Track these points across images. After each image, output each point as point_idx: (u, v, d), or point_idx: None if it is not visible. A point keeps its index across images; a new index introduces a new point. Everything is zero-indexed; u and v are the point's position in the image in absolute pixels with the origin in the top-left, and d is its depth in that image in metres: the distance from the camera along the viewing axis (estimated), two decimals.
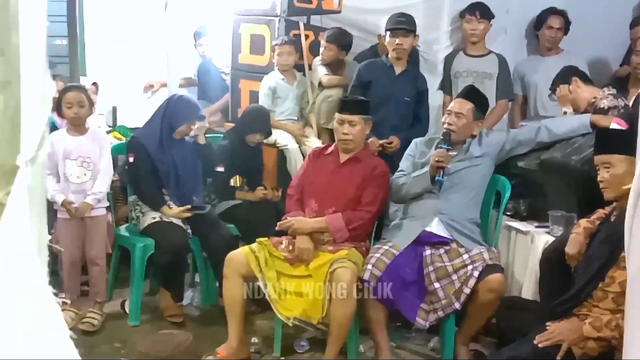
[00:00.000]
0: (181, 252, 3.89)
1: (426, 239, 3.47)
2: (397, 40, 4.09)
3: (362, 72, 4.26)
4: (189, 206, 3.92)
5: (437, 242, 3.46)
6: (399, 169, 3.72)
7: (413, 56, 4.48)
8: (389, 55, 4.21)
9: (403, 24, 4.08)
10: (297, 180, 3.79)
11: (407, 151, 3.78)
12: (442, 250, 3.43)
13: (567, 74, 3.90)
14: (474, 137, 3.65)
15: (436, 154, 3.47)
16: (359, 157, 3.64)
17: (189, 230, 3.94)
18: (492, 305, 3.22)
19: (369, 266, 3.31)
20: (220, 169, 4.18)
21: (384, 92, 4.16)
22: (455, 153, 3.53)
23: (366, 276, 3.29)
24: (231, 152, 4.28)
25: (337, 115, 3.65)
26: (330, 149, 3.75)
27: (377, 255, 3.36)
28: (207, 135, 4.28)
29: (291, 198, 3.72)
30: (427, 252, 3.43)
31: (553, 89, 3.96)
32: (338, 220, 3.50)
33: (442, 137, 3.56)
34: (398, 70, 4.20)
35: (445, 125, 3.59)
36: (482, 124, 3.69)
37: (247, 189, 4.34)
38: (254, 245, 3.49)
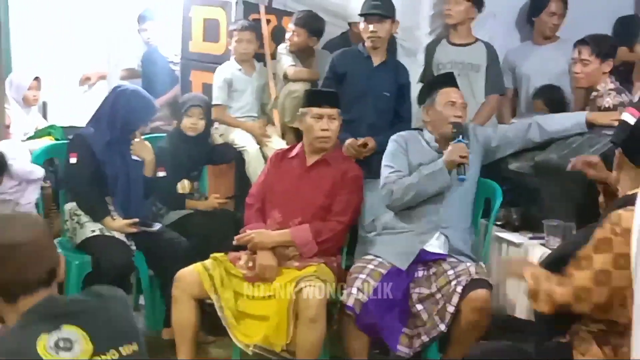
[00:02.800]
0: (124, 271, 3.84)
1: (422, 257, 3.46)
2: (372, 27, 4.11)
3: (336, 62, 4.26)
4: (137, 220, 3.89)
5: (431, 260, 3.46)
6: (393, 170, 3.63)
7: (390, 45, 4.51)
8: (366, 45, 4.23)
9: (378, 9, 4.10)
10: (257, 188, 3.78)
11: (393, 149, 3.69)
12: (433, 270, 3.43)
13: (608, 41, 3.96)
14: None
15: (460, 149, 3.46)
16: (328, 160, 3.65)
17: (134, 247, 3.91)
18: (478, 327, 3.23)
19: (354, 290, 3.28)
20: (162, 173, 4.13)
21: (360, 86, 4.16)
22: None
23: (350, 302, 3.26)
24: (172, 151, 4.26)
25: (311, 110, 3.62)
26: (295, 151, 3.75)
27: (363, 276, 3.33)
28: (151, 135, 4.26)
29: (250, 208, 3.72)
30: (420, 272, 3.44)
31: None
32: (305, 233, 3.50)
33: (454, 130, 3.54)
34: (376, 61, 4.21)
35: (453, 119, 3.57)
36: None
37: (199, 196, 4.33)
38: (207, 262, 3.47)
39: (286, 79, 4.72)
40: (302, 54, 4.77)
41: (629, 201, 2.25)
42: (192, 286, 3.39)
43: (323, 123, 3.60)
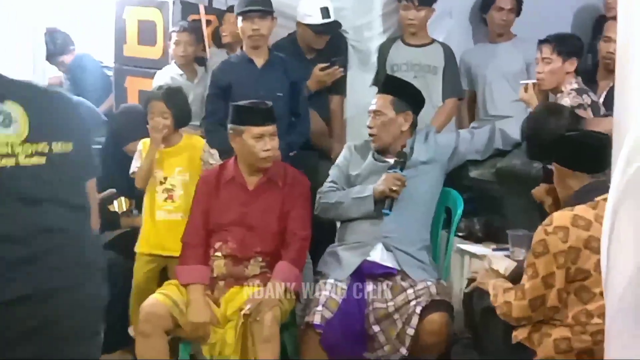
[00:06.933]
0: None
1: (368, 271, 3.46)
2: (254, 26, 4.05)
3: (218, 75, 4.18)
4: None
5: (381, 274, 3.45)
6: (330, 180, 3.72)
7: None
8: (244, 47, 4.17)
9: (258, 4, 4.05)
10: (196, 225, 3.53)
11: (340, 157, 3.78)
12: (385, 285, 3.43)
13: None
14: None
15: (391, 181, 3.44)
16: (272, 177, 3.52)
17: None
18: (436, 349, 3.28)
19: (319, 307, 3.28)
20: None
21: (249, 93, 3.97)
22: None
23: (317, 320, 3.24)
24: (107, 172, 4.10)
25: (250, 130, 3.44)
26: (229, 174, 3.55)
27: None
28: None
29: (190, 248, 3.50)
30: (370, 287, 3.43)
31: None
32: (288, 269, 3.38)
33: (396, 159, 3.53)
34: (260, 62, 4.14)
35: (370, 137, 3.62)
36: (410, 116, 3.65)
37: (137, 214, 4.22)
38: (167, 290, 3.35)
39: None
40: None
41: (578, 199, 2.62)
42: (164, 320, 3.27)
43: (265, 143, 3.43)
